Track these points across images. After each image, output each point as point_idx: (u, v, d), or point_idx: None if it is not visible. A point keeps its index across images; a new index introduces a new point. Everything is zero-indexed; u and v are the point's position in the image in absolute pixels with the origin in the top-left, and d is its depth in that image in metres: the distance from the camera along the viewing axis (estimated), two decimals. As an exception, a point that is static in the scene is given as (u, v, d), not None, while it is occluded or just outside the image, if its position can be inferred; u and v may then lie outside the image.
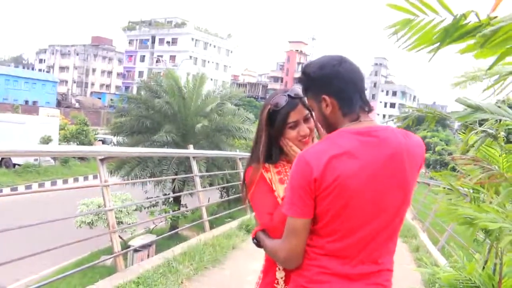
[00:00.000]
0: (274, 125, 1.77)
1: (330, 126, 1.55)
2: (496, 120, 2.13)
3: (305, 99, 1.73)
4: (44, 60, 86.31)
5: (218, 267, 4.89)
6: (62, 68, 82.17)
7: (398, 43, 1.41)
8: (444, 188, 2.70)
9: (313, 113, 1.69)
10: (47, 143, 25.67)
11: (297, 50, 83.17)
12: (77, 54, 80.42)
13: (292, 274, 1.55)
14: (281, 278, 1.74)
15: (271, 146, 1.83)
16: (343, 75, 1.48)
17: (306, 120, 1.77)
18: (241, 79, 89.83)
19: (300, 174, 1.41)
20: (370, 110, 1.55)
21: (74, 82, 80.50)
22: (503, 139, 2.23)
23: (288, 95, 1.76)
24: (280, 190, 1.75)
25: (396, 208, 1.47)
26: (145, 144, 14.92)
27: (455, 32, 1.31)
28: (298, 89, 1.80)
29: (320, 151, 1.40)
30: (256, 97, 74.30)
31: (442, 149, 42.07)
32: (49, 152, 6.48)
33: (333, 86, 1.48)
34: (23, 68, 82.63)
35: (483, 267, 2.96)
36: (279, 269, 1.75)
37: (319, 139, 1.82)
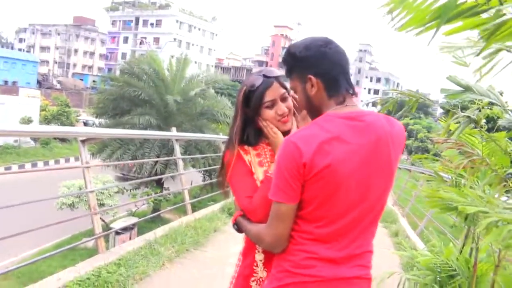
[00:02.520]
0: (251, 106, 1.76)
1: (314, 109, 1.53)
2: (478, 108, 2.14)
3: (281, 78, 1.74)
4: (24, 39, 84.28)
5: (200, 250, 4.89)
6: (43, 48, 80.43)
7: (392, 23, 1.39)
8: (425, 174, 2.74)
9: (295, 95, 1.66)
10: (28, 124, 25.29)
11: (282, 35, 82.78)
12: (59, 34, 78.69)
13: (276, 259, 1.55)
14: (260, 260, 1.75)
15: (246, 128, 1.81)
16: (330, 56, 1.47)
17: (283, 99, 1.75)
18: (225, 63, 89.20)
19: (288, 158, 1.38)
20: (355, 93, 1.54)
21: (56, 62, 78.96)
22: (485, 127, 2.25)
23: (263, 75, 1.74)
24: (259, 173, 1.74)
25: (381, 192, 1.48)
26: (126, 126, 14.82)
27: (452, 10, 1.28)
28: (273, 69, 1.80)
29: (309, 136, 1.38)
30: (241, 81, 73.85)
31: (424, 136, 42.60)
32: (28, 132, 6.37)
33: (320, 67, 1.47)
34: (2, 47, 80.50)
35: (460, 251, 3.02)
36: (258, 251, 1.76)
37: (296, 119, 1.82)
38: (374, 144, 1.42)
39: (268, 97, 1.73)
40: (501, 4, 1.22)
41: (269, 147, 1.81)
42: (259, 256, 1.76)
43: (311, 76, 1.47)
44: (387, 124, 1.48)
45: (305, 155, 1.35)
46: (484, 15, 1.29)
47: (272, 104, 1.74)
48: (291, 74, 1.56)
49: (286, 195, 1.41)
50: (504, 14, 1.17)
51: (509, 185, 2.08)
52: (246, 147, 1.81)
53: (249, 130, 1.81)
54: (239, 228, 1.73)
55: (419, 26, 1.37)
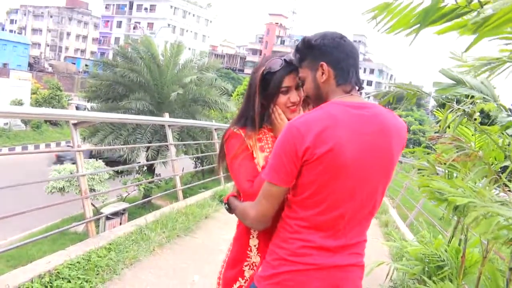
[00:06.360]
0: (267, 88, 1.74)
1: (320, 97, 1.54)
2: (472, 102, 2.15)
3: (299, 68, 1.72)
4: (16, 21, 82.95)
5: (190, 236, 4.90)
6: (34, 30, 79.20)
7: (377, 27, 1.45)
8: (418, 164, 2.75)
9: (304, 84, 1.65)
10: (18, 107, 25.05)
11: (277, 23, 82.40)
12: (51, 17, 77.46)
13: (271, 246, 1.55)
14: (254, 245, 1.76)
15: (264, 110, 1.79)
16: (344, 47, 1.51)
17: (297, 88, 1.75)
18: (219, 50, 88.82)
19: (289, 142, 1.39)
20: (361, 88, 1.57)
21: (48, 45, 77.87)
22: (479, 119, 2.26)
23: (284, 60, 1.74)
24: (260, 158, 1.73)
25: (380, 184, 1.49)
26: (119, 111, 14.72)
27: (433, 14, 1.33)
28: (292, 56, 1.77)
29: (312, 120, 1.39)
30: (234, 69, 73.75)
31: (417, 128, 42.86)
32: (20, 113, 6.29)
33: (333, 56, 1.50)
34: (-7, 28, 79.33)
35: (449, 242, 3.05)
36: (252, 236, 1.76)
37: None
38: (377, 135, 1.44)
39: (286, 83, 1.73)
40: (481, 6, 1.27)
41: (271, 133, 1.81)
42: (253, 242, 1.76)
43: (323, 63, 1.49)
44: (391, 117, 1.50)
45: (307, 140, 1.36)
46: (467, 17, 1.35)
47: (287, 90, 1.74)
48: (303, 62, 1.58)
49: (279, 177, 1.43)
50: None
51: (501, 178, 2.10)
52: (249, 131, 1.80)
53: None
54: (229, 207, 1.74)
55: (406, 29, 1.42)
